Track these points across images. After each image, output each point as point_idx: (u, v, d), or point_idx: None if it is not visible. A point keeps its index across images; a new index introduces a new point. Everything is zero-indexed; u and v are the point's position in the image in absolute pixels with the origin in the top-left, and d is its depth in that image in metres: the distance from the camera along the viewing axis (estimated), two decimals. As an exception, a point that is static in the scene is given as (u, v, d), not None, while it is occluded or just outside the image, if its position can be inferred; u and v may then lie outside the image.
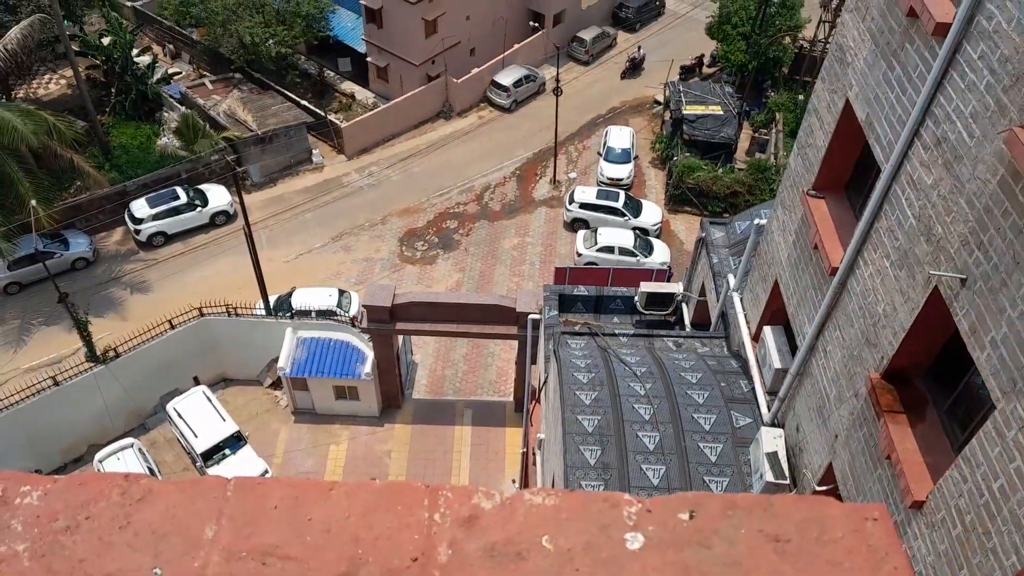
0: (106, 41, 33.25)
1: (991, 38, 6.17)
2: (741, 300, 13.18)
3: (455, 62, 38.01)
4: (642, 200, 33.58)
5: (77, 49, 32.36)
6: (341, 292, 28.07)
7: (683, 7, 44.84)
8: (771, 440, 10.12)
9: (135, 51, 34.39)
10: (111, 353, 23.39)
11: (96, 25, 37.22)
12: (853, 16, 8.94)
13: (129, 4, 41.64)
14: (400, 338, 25.12)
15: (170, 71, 37.99)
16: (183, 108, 34.13)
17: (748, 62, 36.70)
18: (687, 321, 16.48)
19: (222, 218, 31.98)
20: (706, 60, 40.90)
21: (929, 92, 6.95)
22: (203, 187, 32.14)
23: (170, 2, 38.44)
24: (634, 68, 41.10)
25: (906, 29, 7.54)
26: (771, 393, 11.08)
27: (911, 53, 7.43)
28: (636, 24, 44.02)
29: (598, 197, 32.57)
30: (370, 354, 24.08)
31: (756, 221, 12.97)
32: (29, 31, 27.51)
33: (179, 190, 31.27)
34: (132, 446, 23.33)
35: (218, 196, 32.05)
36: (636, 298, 16.05)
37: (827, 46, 33.85)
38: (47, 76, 34.69)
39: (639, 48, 41.46)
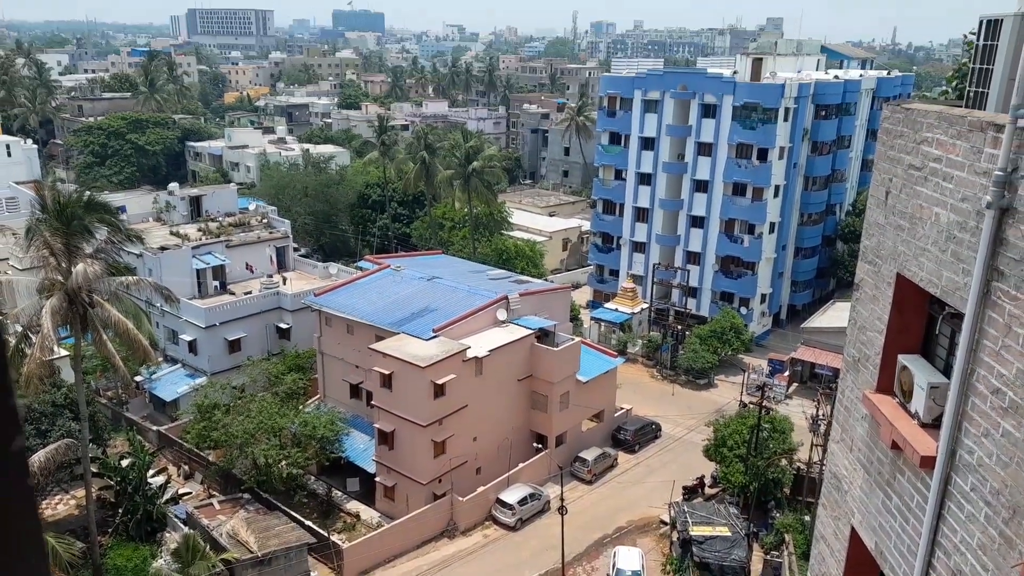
0: (125, 463, 34.37)
1: (977, 471, 6.55)
2: None
3: (461, 480, 38.70)
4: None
5: (95, 471, 33.29)
6: None
7: (679, 431, 47.11)
8: None
9: (151, 472, 35.33)
10: None
11: (119, 447, 38.84)
12: (840, 446, 9.53)
13: (154, 428, 44.01)
14: None
15: (180, 491, 38.53)
16: (186, 529, 33.80)
17: (748, 483, 37.31)
18: None
19: (203, 651, 29.42)
20: (707, 481, 41.61)
21: (931, 523, 7.12)
22: (189, 614, 30.18)
23: (194, 426, 40.65)
24: None
25: (894, 460, 8.01)
26: None
27: (904, 483, 7.79)
28: (635, 446, 45.80)
29: (610, 626, 30.37)
30: None
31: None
32: (54, 454, 28.65)
33: (163, 618, 29.34)
34: None
35: (203, 625, 29.91)
36: None
37: (823, 468, 34.76)
38: (58, 497, 35.08)
39: None
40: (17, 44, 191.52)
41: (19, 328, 30.12)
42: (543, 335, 42.05)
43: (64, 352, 36.37)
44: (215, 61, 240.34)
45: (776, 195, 59.32)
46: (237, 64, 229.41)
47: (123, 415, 44.79)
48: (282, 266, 55.33)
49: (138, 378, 47.32)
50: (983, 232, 6.37)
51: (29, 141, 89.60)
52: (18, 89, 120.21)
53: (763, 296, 61.43)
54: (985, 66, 8.19)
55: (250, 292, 50.60)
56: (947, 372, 7.57)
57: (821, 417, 38.02)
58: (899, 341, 8.25)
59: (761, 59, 60.29)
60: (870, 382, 8.58)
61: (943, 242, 7.14)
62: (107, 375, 45.39)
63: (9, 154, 78.94)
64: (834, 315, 55.78)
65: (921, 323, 8.22)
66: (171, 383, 48.28)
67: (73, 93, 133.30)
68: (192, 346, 48.32)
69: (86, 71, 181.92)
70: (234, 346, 48.37)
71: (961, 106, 8.33)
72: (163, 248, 49.02)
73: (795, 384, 54.12)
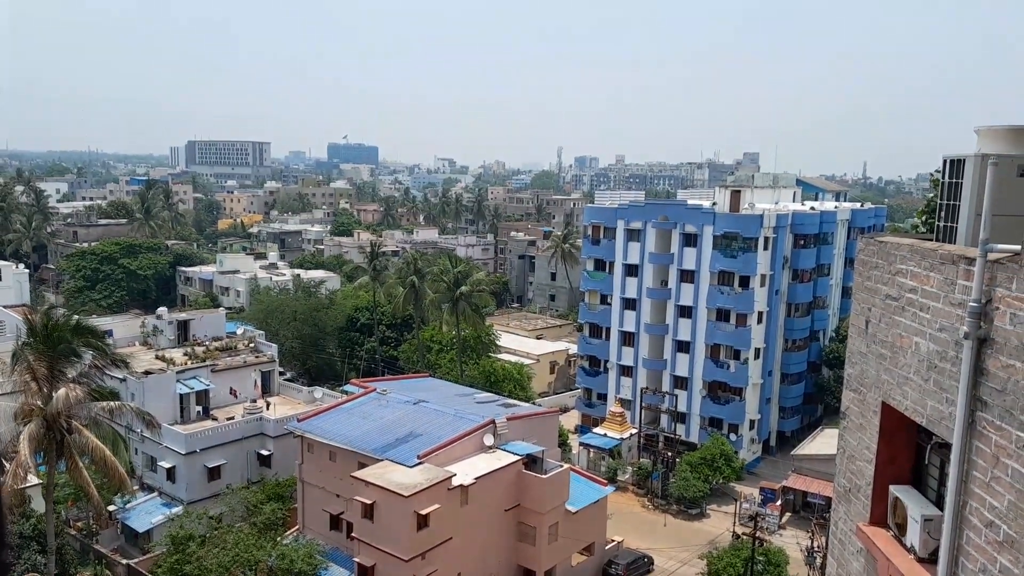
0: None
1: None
2: None
3: (445, 621, 36.66)
4: None
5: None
6: None
7: (671, 564, 45.41)
8: None
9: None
10: None
11: (84, 583, 36.89)
12: (840, 582, 9.25)
13: (124, 562, 41.93)
14: None
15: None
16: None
17: (747, 620, 35.67)
18: None
19: None
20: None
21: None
22: None
23: (166, 559, 38.80)
24: None
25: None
26: None
27: (906, 622, 7.52)
28: (628, 580, 43.93)
29: None
30: None
31: None
32: (16, 590, 27.17)
33: None
34: None
35: None
36: None
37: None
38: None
39: None
40: (18, 172, 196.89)
41: (-8, 455, 29.28)
42: (531, 462, 41.17)
43: (37, 480, 35.16)
44: (211, 189, 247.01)
45: (760, 321, 60.08)
46: (232, 192, 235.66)
47: (92, 547, 42.77)
48: (267, 390, 54.67)
49: (111, 508, 45.53)
50: (963, 362, 6.48)
51: (21, 266, 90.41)
52: (15, 215, 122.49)
53: (752, 422, 60.90)
54: (952, 202, 8.62)
55: (233, 417, 49.70)
56: (940, 503, 7.49)
57: (816, 549, 36.94)
58: (889, 471, 8.20)
59: (739, 191, 62.70)
60: (863, 514, 8.45)
61: (925, 371, 7.25)
62: (79, 504, 43.70)
63: (0, 279, 79.37)
64: (823, 442, 55.18)
65: (910, 452, 8.21)
66: (146, 513, 46.45)
67: (69, 219, 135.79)
68: (170, 473, 46.88)
69: (84, 198, 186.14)
70: (213, 473, 46.97)
71: (932, 239, 8.69)
72: (147, 372, 48.49)
73: (788, 514, 52.74)
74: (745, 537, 40.45)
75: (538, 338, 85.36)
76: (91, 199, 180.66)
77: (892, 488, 7.95)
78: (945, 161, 8.77)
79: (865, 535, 8.09)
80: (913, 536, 7.42)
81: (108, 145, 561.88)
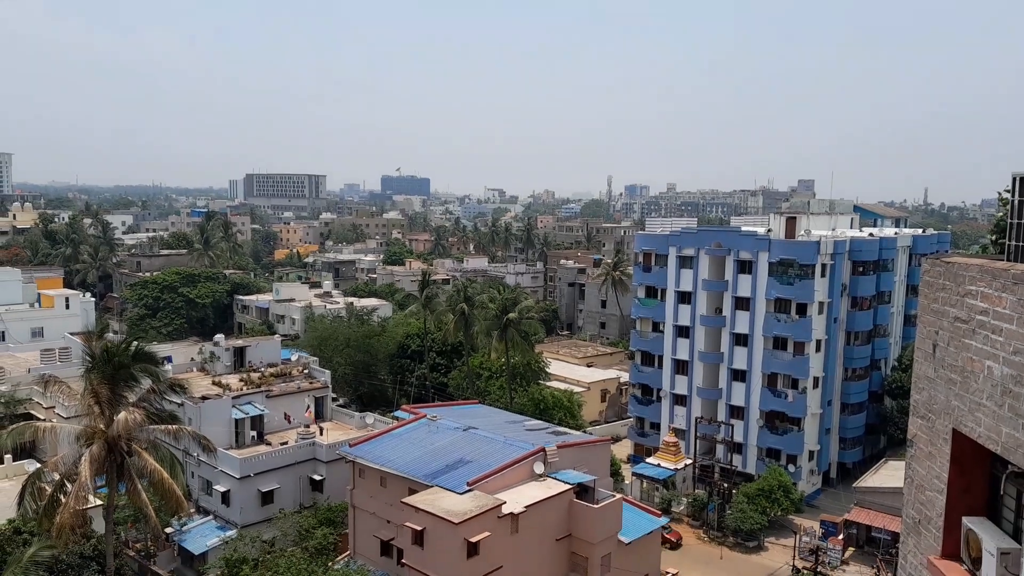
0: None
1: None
2: None
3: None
4: None
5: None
6: None
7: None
8: None
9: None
10: None
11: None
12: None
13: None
14: None
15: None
16: None
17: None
18: None
19: None
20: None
21: None
22: None
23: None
24: None
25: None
26: None
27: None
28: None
29: None
30: None
31: None
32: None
33: None
34: None
35: None
36: None
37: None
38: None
39: None
40: (86, 206, 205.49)
41: (56, 476, 30.15)
42: (582, 491, 40.58)
43: (98, 501, 36.05)
44: (268, 221, 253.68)
45: (818, 349, 58.53)
46: (289, 223, 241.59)
47: (149, 569, 43.57)
48: (320, 416, 55.30)
49: (168, 530, 46.42)
50: (1040, 386, 6.17)
51: (87, 295, 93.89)
52: (83, 247, 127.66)
53: (811, 453, 59.10)
54: (1022, 221, 8.25)
55: (286, 443, 50.37)
56: (1017, 536, 7.09)
57: (883, 587, 35.40)
58: (962, 501, 7.80)
59: (795, 218, 61.58)
60: (934, 547, 8.04)
61: (999, 396, 6.91)
62: (137, 526, 44.65)
63: (67, 307, 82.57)
64: (888, 474, 53.18)
65: (984, 482, 7.79)
66: (201, 535, 47.18)
67: (133, 250, 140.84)
68: (225, 497, 47.60)
69: (148, 230, 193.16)
70: (267, 498, 47.53)
71: (1002, 259, 8.33)
72: (204, 398, 49.55)
73: (851, 548, 50.78)
74: (806, 572, 39.07)
75: (588, 366, 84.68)
76: (154, 231, 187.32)
77: (965, 520, 7.55)
78: (1015, 179, 8.43)
79: (937, 569, 7.68)
80: (989, 570, 7.02)
81: (171, 179, 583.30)
